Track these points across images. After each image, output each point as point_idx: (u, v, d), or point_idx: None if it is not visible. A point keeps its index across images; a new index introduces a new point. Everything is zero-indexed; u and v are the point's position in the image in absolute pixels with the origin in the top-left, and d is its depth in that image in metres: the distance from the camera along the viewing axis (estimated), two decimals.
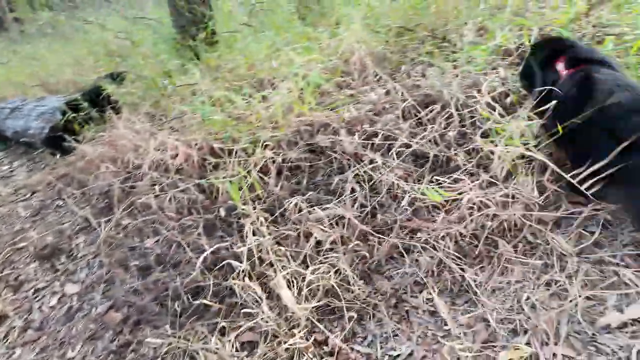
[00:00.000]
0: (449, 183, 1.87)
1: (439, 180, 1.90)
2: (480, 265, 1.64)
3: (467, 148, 2.02)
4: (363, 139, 2.12)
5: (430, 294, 1.60)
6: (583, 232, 1.59)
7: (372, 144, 2.10)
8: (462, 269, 1.62)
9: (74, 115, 3.47)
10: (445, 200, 1.81)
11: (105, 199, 2.68)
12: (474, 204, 1.72)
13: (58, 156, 3.47)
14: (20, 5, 11.94)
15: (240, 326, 1.67)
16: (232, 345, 1.60)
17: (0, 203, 3.30)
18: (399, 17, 3.24)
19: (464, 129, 2.07)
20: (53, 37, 6.58)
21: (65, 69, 5.25)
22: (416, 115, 2.18)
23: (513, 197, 1.73)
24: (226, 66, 3.41)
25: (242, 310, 1.67)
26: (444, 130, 2.05)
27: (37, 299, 2.28)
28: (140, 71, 3.76)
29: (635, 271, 1.42)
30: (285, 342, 1.52)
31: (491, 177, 1.85)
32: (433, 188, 1.69)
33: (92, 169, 2.91)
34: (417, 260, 1.70)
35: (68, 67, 5.28)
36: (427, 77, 2.54)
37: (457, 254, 1.66)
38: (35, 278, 2.43)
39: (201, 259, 1.82)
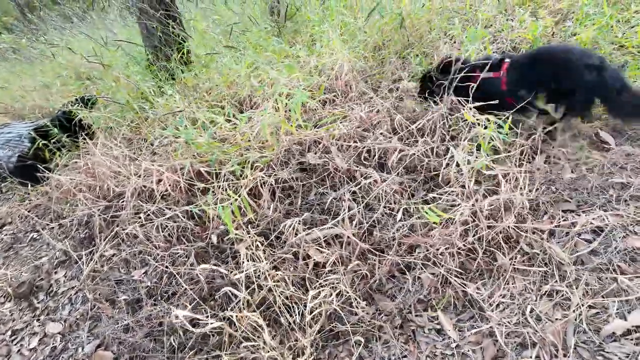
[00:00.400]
0: (442, 196, 1.88)
1: (433, 195, 1.91)
2: (482, 279, 1.64)
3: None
4: (354, 156, 2.12)
5: (435, 311, 1.60)
6: (579, 239, 1.62)
7: (364, 160, 2.10)
8: (464, 284, 1.62)
9: (44, 142, 3.31)
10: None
11: (85, 230, 2.55)
12: (468, 217, 1.73)
13: (29, 186, 3.29)
14: None
15: (242, 358, 1.61)
16: None
17: None
18: (375, 33, 3.29)
19: (452, 141, 2.09)
20: (15, 62, 6.31)
21: (31, 94, 5.03)
22: (405, 129, 2.19)
23: (506, 208, 1.75)
24: (204, 86, 3.36)
25: (243, 343, 1.60)
26: (433, 144, 2.07)
27: (16, 341, 2.13)
28: (114, 94, 3.64)
29: (632, 277, 1.46)
30: None
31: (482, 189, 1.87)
32: (429, 208, 1.69)
33: (68, 198, 2.78)
34: (419, 278, 1.69)
35: (34, 91, 5.07)
36: (409, 91, 2.58)
37: (457, 269, 1.66)
38: (12, 319, 2.28)
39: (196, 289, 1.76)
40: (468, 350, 1.45)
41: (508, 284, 1.58)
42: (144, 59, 4.03)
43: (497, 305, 1.53)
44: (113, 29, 5.54)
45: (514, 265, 1.62)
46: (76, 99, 3.79)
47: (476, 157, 1.83)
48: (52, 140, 3.35)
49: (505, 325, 1.46)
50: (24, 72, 5.82)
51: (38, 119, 4.34)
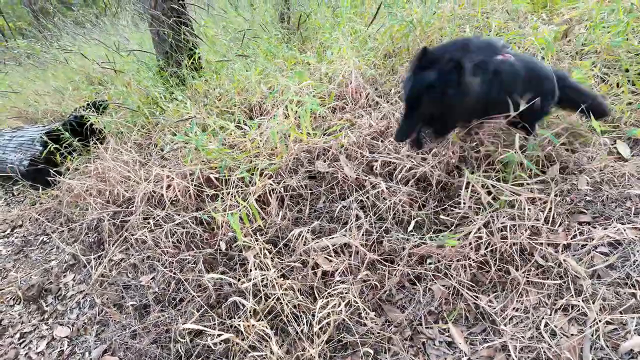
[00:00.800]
0: (454, 209, 1.85)
1: (444, 205, 1.88)
2: (494, 292, 1.61)
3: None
4: (364, 164, 2.10)
5: (446, 323, 1.56)
6: (595, 252, 1.58)
7: (374, 169, 2.08)
8: (476, 296, 1.58)
9: (56, 146, 3.34)
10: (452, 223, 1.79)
11: (94, 234, 2.56)
12: (480, 229, 1.70)
13: (40, 189, 3.32)
14: None
15: None
16: None
17: None
18: (385, 40, 3.28)
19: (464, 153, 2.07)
20: (29, 66, 6.40)
21: (44, 98, 5.10)
22: None
23: (520, 218, 1.72)
24: (214, 92, 3.36)
25: (250, 353, 1.58)
26: (444, 156, 2.05)
27: (24, 344, 2.13)
28: (125, 99, 3.67)
29: None
30: None
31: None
32: (446, 235, 1.67)
33: (78, 202, 2.79)
34: (429, 289, 1.66)
35: (47, 96, 5.13)
36: None
37: (469, 282, 1.62)
38: (21, 321, 2.28)
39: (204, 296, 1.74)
40: None
41: (522, 297, 1.54)
42: (155, 65, 4.06)
43: (511, 319, 1.50)
44: (125, 34, 5.59)
45: (527, 278, 1.58)
46: (88, 104, 3.83)
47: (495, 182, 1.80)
48: (64, 144, 3.38)
49: (519, 340, 1.42)
50: (37, 76, 5.90)
51: (50, 123, 4.39)
